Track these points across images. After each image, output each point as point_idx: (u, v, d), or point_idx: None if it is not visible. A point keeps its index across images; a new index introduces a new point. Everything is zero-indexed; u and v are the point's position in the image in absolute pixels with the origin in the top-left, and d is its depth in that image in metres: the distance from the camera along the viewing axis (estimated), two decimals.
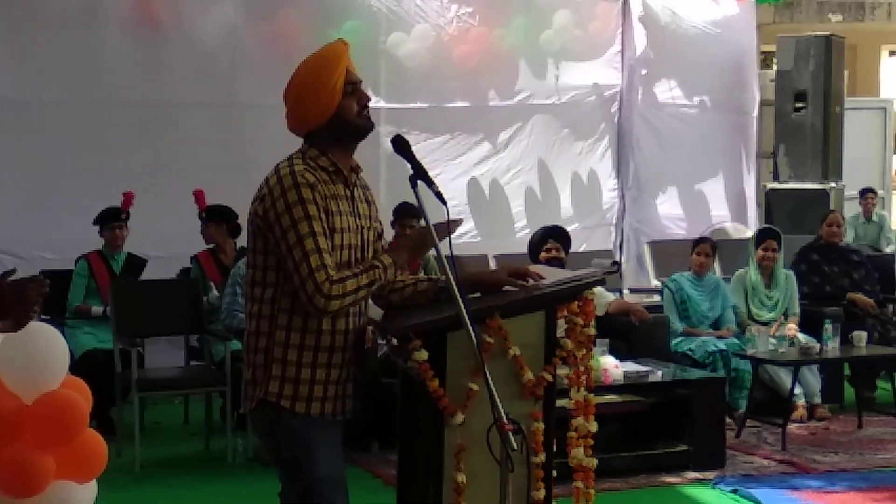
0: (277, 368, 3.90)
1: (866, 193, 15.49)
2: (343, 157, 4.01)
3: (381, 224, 4.21)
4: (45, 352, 4.73)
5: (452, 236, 3.82)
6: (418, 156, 3.97)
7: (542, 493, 4.01)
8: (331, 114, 3.94)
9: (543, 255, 8.22)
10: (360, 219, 4.02)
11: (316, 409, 3.91)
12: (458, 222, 3.96)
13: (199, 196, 9.30)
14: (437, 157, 11.53)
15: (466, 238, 11.51)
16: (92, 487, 5.14)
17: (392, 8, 11.50)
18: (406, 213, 8.92)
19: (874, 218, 15.44)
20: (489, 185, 12.05)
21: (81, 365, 8.02)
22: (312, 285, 3.77)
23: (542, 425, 3.98)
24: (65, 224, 9.72)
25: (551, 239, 8.35)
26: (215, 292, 8.77)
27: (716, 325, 9.28)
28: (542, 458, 3.99)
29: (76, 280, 8.98)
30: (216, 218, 9.18)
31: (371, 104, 4.07)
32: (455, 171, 11.77)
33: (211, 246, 9.25)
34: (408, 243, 4.09)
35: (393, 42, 11.44)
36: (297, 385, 3.89)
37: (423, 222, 3.92)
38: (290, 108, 4.03)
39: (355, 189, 4.05)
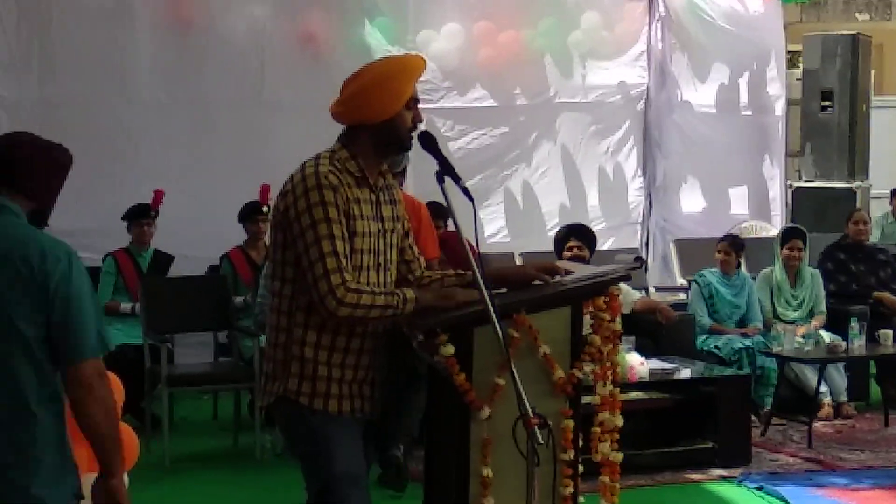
0: (296, 366, 3.90)
1: None
2: (373, 164, 4.00)
3: (408, 221, 4.21)
4: None
5: (485, 236, 3.83)
6: (445, 153, 3.97)
7: (569, 490, 4.01)
8: (387, 117, 3.92)
9: (566, 253, 8.23)
10: (383, 222, 4.01)
11: (333, 407, 3.90)
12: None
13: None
14: (465, 156, 11.55)
15: (498, 238, 11.51)
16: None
17: (421, 6, 11.53)
18: (435, 213, 8.94)
19: None
20: (519, 184, 12.07)
21: (112, 360, 8.06)
22: (326, 286, 3.76)
23: (571, 422, 3.99)
24: (95, 222, 9.77)
25: (574, 237, 8.37)
26: (248, 298, 8.81)
27: (742, 322, 9.33)
28: (570, 454, 3.99)
29: (104, 278, 9.03)
30: (251, 214, 9.22)
31: None
32: (484, 169, 11.77)
33: (240, 244, 9.32)
34: (440, 292, 4.01)
35: (422, 40, 11.46)
36: (314, 382, 3.89)
37: (451, 222, 3.91)
38: (348, 95, 3.96)
39: (381, 192, 4.03)
